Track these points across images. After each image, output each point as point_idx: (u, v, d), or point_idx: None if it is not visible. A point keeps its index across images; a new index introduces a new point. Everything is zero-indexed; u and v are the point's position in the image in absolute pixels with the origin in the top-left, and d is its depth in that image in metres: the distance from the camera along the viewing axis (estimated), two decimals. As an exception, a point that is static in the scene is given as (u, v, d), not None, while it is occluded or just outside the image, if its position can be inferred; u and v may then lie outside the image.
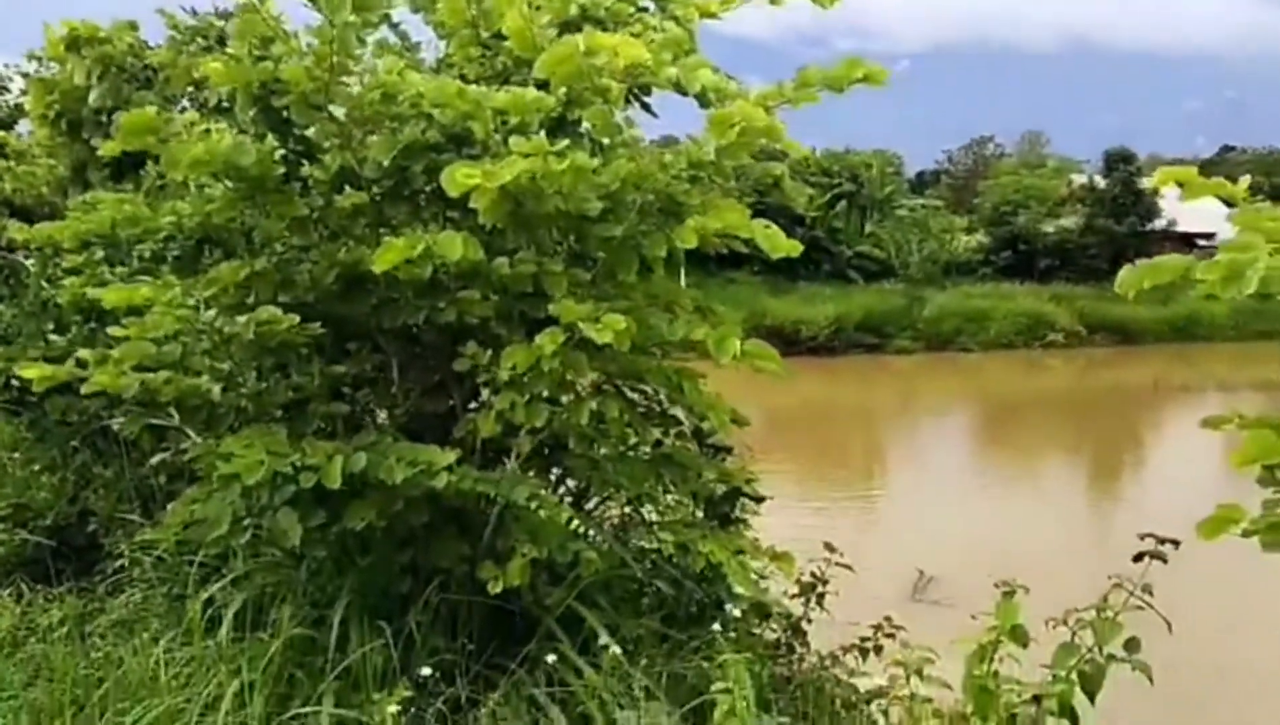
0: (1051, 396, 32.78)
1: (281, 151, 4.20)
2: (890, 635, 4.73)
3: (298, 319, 4.14)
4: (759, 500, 6.08)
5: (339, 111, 4.09)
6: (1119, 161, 48.33)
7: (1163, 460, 21.36)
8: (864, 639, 4.91)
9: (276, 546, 4.47)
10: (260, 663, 3.83)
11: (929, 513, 15.88)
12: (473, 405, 4.61)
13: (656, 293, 4.42)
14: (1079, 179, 50.95)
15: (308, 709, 3.73)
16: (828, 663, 5.15)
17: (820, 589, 5.13)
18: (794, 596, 5.19)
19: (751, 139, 4.09)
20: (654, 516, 5.68)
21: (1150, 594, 2.82)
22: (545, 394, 4.05)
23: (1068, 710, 2.74)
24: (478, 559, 4.27)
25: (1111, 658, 2.77)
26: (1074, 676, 2.74)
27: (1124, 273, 2.99)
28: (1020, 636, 2.58)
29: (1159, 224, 47.17)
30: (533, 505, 3.98)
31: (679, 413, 5.66)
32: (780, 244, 4.14)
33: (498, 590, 4.09)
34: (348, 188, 4.37)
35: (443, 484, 3.77)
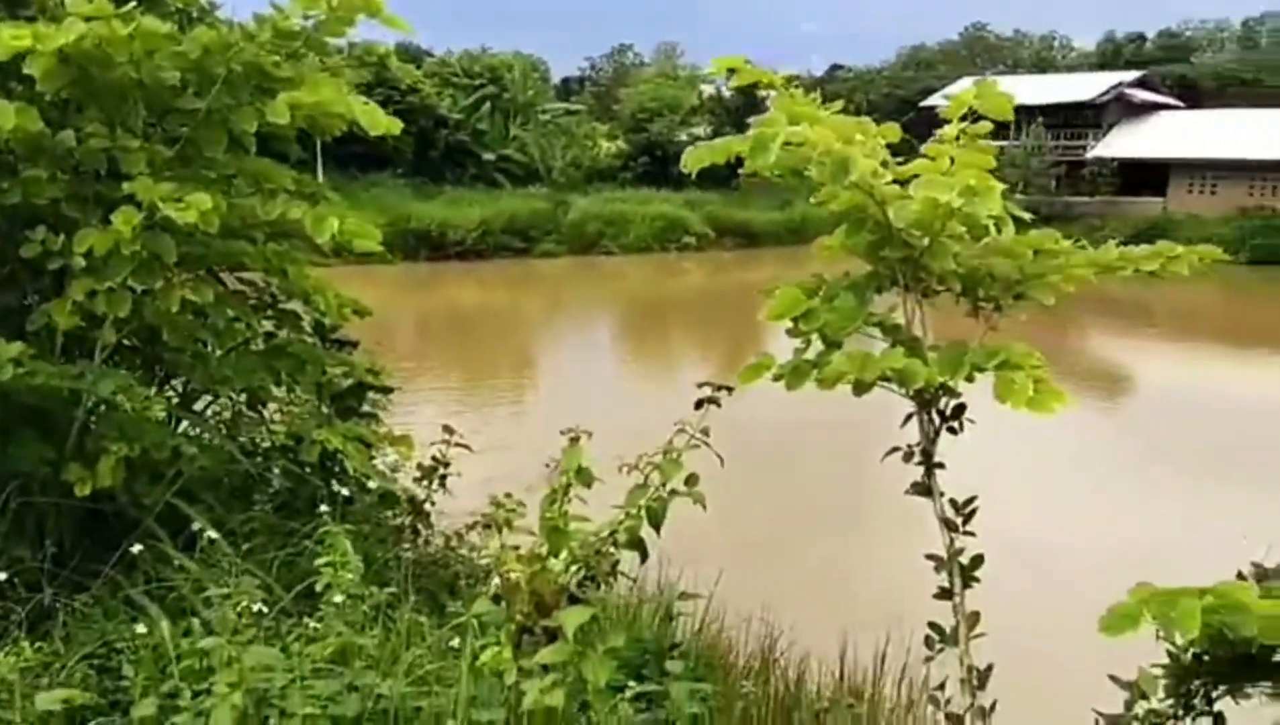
0: (686, 296, 34.95)
1: None
2: (513, 511, 4.93)
3: None
4: (386, 392, 6.11)
5: None
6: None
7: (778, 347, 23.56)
8: (485, 516, 5.12)
9: None
10: None
11: (574, 405, 16.54)
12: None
13: (251, 172, 4.24)
14: (708, 89, 53.81)
15: None
16: (453, 542, 5.34)
17: (441, 471, 5.25)
18: (417, 480, 5.29)
19: (348, 14, 4.00)
20: (275, 413, 5.55)
21: (706, 434, 3.19)
22: (129, 282, 3.79)
23: (636, 541, 3.06)
24: (63, 461, 3.99)
25: (674, 492, 3.11)
26: (642, 513, 3.07)
27: (688, 153, 3.27)
28: (586, 477, 2.83)
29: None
30: (121, 399, 3.76)
31: (297, 307, 5.53)
32: (379, 120, 4.09)
33: (86, 492, 3.85)
34: None
35: (8, 377, 3.46)
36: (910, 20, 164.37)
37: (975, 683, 2.95)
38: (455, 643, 3.10)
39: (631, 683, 2.78)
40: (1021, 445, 13.55)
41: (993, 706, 2.96)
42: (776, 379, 3.01)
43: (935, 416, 3.08)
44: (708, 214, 43.98)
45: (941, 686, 3.04)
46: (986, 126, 3.07)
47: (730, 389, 3.29)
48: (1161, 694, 2.60)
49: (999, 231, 3.08)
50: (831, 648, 4.78)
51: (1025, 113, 51.34)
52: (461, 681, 2.79)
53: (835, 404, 3.50)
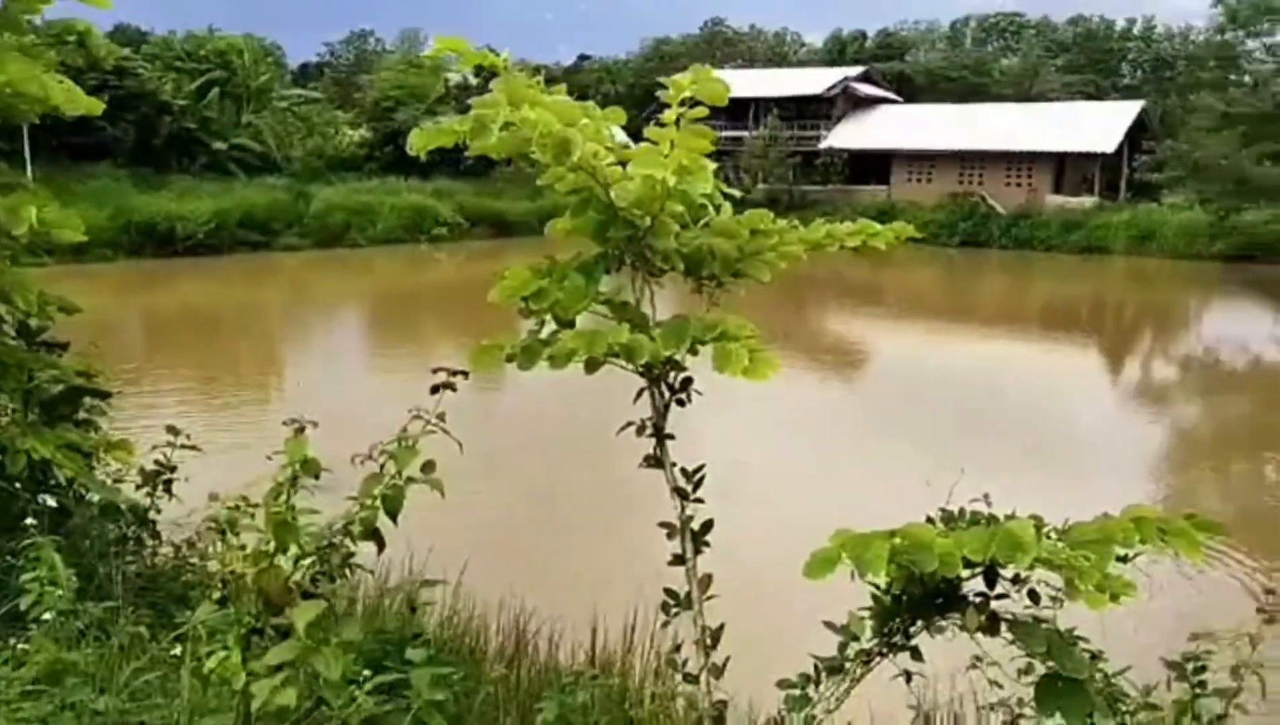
0: (438, 287, 34.40)
1: None
2: (236, 509, 4.70)
3: None
4: (104, 396, 5.67)
5: None
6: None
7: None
8: (216, 522, 4.86)
9: None
10: None
11: (320, 401, 15.95)
12: None
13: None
14: (454, 77, 53.12)
15: None
16: (184, 551, 5.04)
17: (166, 476, 4.93)
18: (139, 487, 4.94)
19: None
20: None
21: (443, 420, 3.16)
22: None
23: (372, 532, 2.99)
24: None
25: (410, 479, 3.07)
26: (378, 502, 3.00)
27: (413, 135, 3.22)
28: (312, 468, 2.74)
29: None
30: None
31: (-1, 309, 5.04)
32: (79, 101, 3.80)
33: None
34: None
35: None
36: (653, 13, 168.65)
37: (708, 643, 3.10)
38: (177, 651, 2.93)
39: (366, 672, 2.72)
40: (768, 416, 14.32)
41: (726, 663, 3.12)
42: (509, 360, 3.03)
43: (665, 390, 3.20)
44: (459, 204, 43.43)
45: (678, 649, 3.17)
46: (703, 111, 3.20)
47: (466, 374, 3.27)
48: (869, 634, 2.82)
49: (717, 211, 3.24)
50: (585, 627, 4.87)
51: (762, 105, 54.00)
52: (184, 691, 2.64)
53: (588, 392, 3.57)
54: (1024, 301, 34.93)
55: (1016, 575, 2.74)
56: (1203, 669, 3.62)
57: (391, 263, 38.34)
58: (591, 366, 2.96)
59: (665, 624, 3.17)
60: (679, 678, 3.30)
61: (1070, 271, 40.00)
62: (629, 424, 3.22)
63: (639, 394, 3.22)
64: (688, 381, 3.18)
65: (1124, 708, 3.60)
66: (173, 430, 4.88)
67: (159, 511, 4.98)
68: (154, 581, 4.67)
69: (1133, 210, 44.21)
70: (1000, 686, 3.89)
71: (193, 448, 4.90)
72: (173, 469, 4.94)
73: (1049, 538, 2.56)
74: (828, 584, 2.57)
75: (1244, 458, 15.57)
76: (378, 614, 4.03)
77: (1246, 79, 39.68)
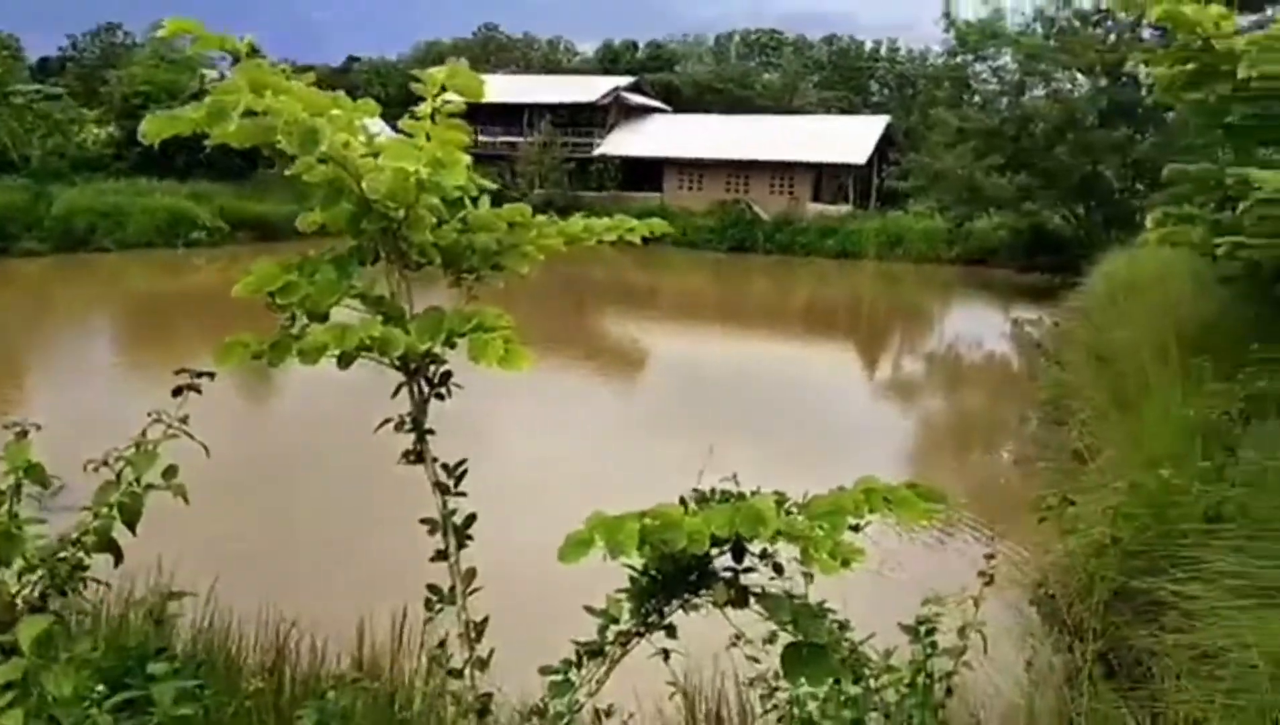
0: (197, 294, 32.48)
1: None
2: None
3: None
4: None
5: None
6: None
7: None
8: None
9: None
10: None
11: (62, 416, 14.73)
12: None
13: None
14: (211, 74, 50.31)
15: None
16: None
17: None
18: None
19: None
20: None
21: (186, 423, 3.01)
22: None
23: (109, 543, 2.81)
24: None
25: (150, 486, 2.90)
26: (115, 511, 2.83)
27: (146, 123, 3.05)
28: (37, 474, 2.55)
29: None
30: None
31: None
32: None
33: None
34: None
35: None
36: (431, 19, 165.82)
37: (473, 636, 3.10)
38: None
39: (102, 687, 2.55)
40: (546, 415, 14.40)
41: (491, 655, 3.12)
42: (256, 357, 2.92)
43: (424, 385, 3.18)
44: (219, 207, 41.16)
45: (443, 644, 3.16)
46: (460, 105, 3.20)
47: (212, 375, 3.14)
48: (627, 615, 2.91)
49: (475, 205, 3.25)
50: (351, 633, 4.74)
51: (536, 111, 54.22)
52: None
53: (350, 393, 3.48)
54: (787, 303, 36.75)
55: (764, 551, 2.90)
56: (933, 630, 3.95)
57: (146, 269, 35.89)
58: (345, 362, 2.90)
59: (429, 620, 3.15)
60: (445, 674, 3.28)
61: (828, 275, 42.41)
62: (387, 420, 3.17)
63: (398, 389, 3.18)
64: (447, 375, 3.17)
65: (868, 672, 3.87)
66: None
67: None
68: None
69: (883, 218, 47.39)
70: (759, 662, 4.11)
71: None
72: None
73: (790, 513, 2.72)
74: (596, 572, 2.63)
75: (979, 443, 17.02)
76: (121, 630, 3.78)
77: (977, 98, 43.29)
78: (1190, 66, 8.58)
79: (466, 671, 3.08)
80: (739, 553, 2.78)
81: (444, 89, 3.15)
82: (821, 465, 12.23)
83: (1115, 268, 20.56)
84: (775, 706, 4.11)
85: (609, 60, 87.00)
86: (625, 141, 55.12)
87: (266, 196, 42.01)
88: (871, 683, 3.88)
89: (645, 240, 3.61)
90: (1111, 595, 6.09)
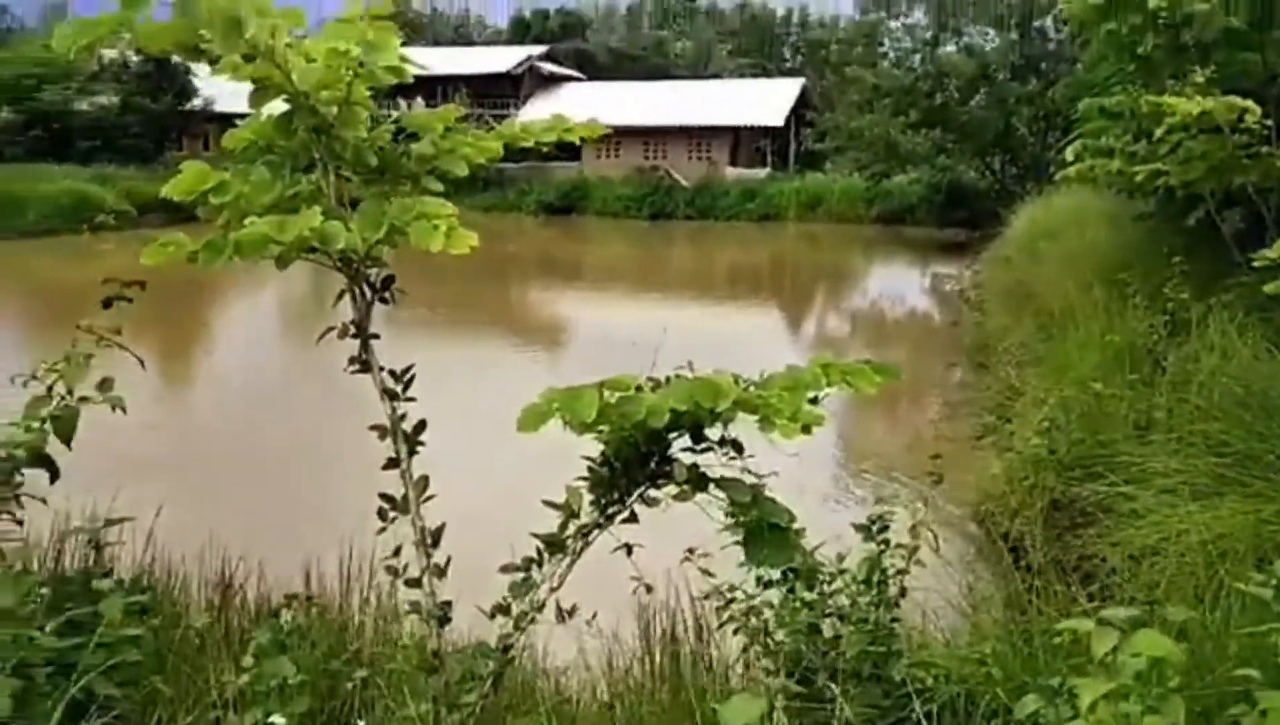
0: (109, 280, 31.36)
1: None
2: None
3: None
4: None
5: None
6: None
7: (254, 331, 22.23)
8: None
9: None
10: None
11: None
12: None
13: None
14: (109, 54, 48.54)
15: None
16: None
17: None
18: None
19: None
20: None
21: (120, 334, 2.89)
22: None
23: (42, 457, 2.69)
24: None
25: (85, 399, 2.78)
26: (47, 425, 2.70)
27: (58, 29, 2.91)
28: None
29: (197, 103, 47.72)
30: None
31: None
32: None
33: None
34: None
35: None
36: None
37: (428, 543, 3.04)
38: None
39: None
40: (478, 383, 14.28)
41: (448, 563, 3.07)
42: (191, 260, 2.80)
43: (366, 290, 3.09)
44: (126, 190, 39.71)
45: (397, 553, 3.09)
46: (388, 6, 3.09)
47: (142, 284, 3.01)
48: (588, 508, 2.87)
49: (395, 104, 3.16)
50: (299, 568, 4.63)
51: (451, 84, 53.35)
52: None
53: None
54: (711, 268, 36.84)
55: (723, 438, 2.88)
56: (885, 528, 3.99)
57: (49, 257, 34.46)
58: (283, 262, 2.80)
59: (382, 531, 3.08)
60: (400, 592, 3.21)
61: (750, 238, 42.61)
62: (330, 329, 3.08)
63: (339, 296, 3.09)
64: (389, 280, 3.09)
65: (821, 576, 3.90)
66: None
67: None
68: None
69: (802, 180, 47.68)
70: (713, 575, 4.11)
71: None
72: None
73: (747, 390, 2.71)
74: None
75: (907, 394, 17.29)
76: (58, 564, 3.61)
77: (891, 54, 43.78)
78: (1102, -1, 8.76)
79: (424, 579, 3.02)
80: (698, 435, 2.76)
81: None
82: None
83: (1033, 215, 21.00)
84: (731, 618, 4.12)
85: (521, 31, 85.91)
86: (541, 111, 54.22)
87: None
88: (825, 587, 3.92)
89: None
90: (1051, 506, 6.25)
